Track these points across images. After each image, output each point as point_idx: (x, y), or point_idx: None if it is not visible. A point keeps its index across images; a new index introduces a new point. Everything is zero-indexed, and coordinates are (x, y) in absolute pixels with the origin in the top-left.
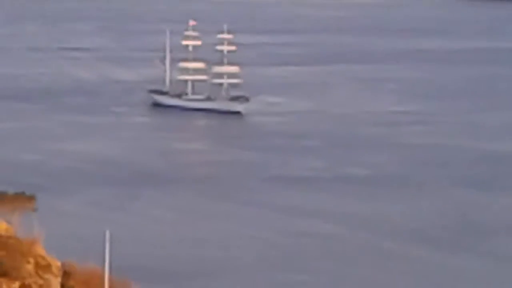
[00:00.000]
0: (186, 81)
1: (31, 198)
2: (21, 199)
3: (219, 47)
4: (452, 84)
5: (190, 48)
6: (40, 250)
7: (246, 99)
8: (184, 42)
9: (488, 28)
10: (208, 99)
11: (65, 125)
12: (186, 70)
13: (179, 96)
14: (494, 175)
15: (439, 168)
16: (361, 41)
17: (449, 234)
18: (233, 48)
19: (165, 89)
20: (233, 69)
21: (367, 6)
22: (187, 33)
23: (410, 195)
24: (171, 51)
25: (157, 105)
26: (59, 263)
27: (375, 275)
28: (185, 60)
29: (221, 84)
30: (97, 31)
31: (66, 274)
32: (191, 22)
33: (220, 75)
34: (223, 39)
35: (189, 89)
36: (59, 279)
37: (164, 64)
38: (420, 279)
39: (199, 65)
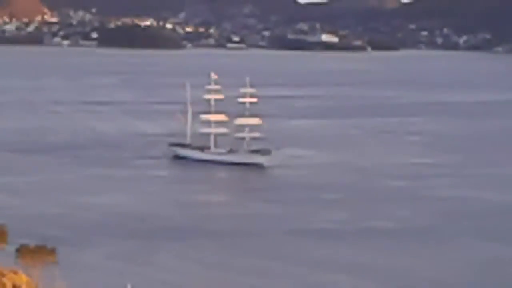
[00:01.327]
0: (208, 134)
1: (53, 251)
2: (42, 252)
3: (241, 100)
4: (476, 136)
5: (212, 102)
6: None
7: (268, 152)
8: (206, 96)
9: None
10: (230, 152)
11: (87, 178)
12: (208, 123)
13: (200, 149)
14: None
15: (463, 221)
16: (384, 94)
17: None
18: (255, 100)
19: (186, 142)
20: (255, 121)
21: (390, 59)
22: (209, 87)
23: (435, 248)
24: (193, 105)
25: (178, 158)
26: None
27: None
28: (207, 112)
29: (243, 137)
30: (120, 85)
31: None
32: (213, 76)
33: (241, 128)
34: (245, 92)
35: (211, 142)
36: None
37: (185, 117)
38: None
39: (221, 117)
